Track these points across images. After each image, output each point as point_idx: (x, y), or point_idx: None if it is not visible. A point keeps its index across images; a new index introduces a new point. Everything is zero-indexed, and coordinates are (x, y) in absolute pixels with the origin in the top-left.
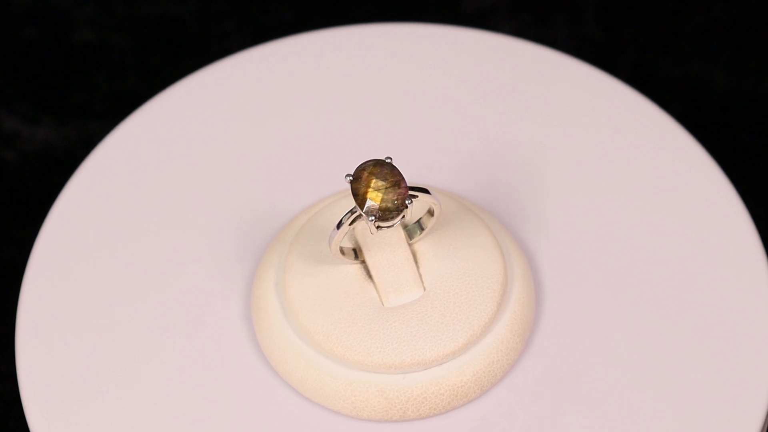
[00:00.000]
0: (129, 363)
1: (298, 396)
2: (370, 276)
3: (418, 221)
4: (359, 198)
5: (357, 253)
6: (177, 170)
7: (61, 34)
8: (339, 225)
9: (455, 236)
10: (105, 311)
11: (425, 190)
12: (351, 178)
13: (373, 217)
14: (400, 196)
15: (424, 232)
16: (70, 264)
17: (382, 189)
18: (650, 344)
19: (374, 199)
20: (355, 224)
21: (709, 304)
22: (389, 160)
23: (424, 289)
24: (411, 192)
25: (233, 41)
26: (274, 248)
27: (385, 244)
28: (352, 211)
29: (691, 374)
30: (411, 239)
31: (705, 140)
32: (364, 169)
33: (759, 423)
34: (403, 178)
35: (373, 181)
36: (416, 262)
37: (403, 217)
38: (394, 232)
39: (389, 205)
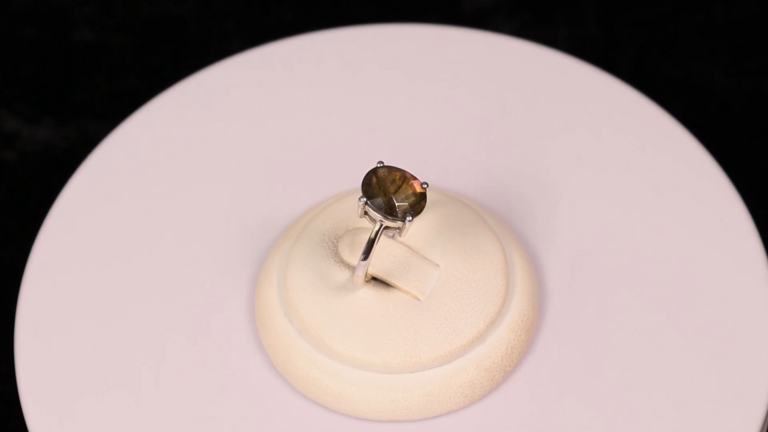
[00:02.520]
0: (129, 364)
1: (300, 396)
2: (387, 284)
3: None
4: (387, 208)
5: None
6: (177, 171)
7: (61, 34)
8: (368, 252)
9: (454, 230)
10: (105, 312)
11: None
12: (365, 199)
13: (410, 216)
14: (416, 186)
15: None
16: (69, 264)
17: (402, 188)
18: (651, 344)
19: (400, 201)
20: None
21: (710, 304)
22: (381, 164)
23: (439, 266)
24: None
25: (233, 41)
26: (276, 251)
27: (379, 250)
28: (376, 233)
29: (691, 374)
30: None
31: (705, 140)
32: (369, 184)
33: (759, 423)
34: (405, 170)
35: (389, 186)
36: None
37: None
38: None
39: (413, 197)
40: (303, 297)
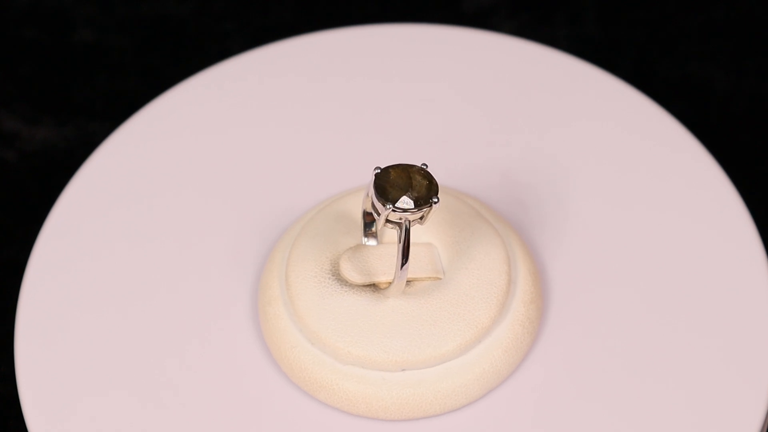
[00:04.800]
0: (129, 364)
1: (301, 392)
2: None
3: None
4: (414, 202)
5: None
6: (178, 171)
7: (61, 34)
8: (407, 256)
9: (453, 226)
10: (105, 312)
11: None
12: (391, 206)
13: (435, 198)
14: (419, 170)
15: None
16: (70, 265)
17: (411, 179)
18: (652, 344)
19: (419, 189)
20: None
21: (709, 304)
22: (377, 171)
23: (431, 243)
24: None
25: (233, 41)
26: (277, 252)
27: (376, 258)
28: (407, 234)
29: (691, 374)
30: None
31: (705, 140)
32: (385, 190)
33: (759, 423)
34: (398, 163)
35: (401, 182)
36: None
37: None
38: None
39: (425, 181)
40: (306, 297)
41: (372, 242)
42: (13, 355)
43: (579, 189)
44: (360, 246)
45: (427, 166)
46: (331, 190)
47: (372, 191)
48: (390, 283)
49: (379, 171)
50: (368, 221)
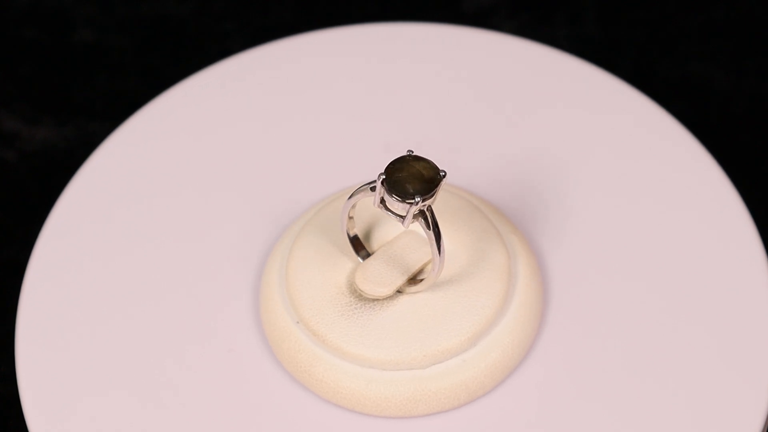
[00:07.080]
0: (129, 364)
1: (301, 387)
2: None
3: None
4: (432, 178)
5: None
6: (178, 171)
7: (61, 34)
8: (440, 239)
9: (453, 223)
10: (105, 312)
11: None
12: (419, 198)
13: (443, 172)
14: (411, 157)
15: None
16: (70, 265)
17: (414, 167)
18: (652, 344)
19: (426, 171)
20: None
21: (709, 304)
22: (382, 177)
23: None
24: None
25: (233, 41)
26: (277, 251)
27: (384, 262)
28: (434, 220)
29: (691, 374)
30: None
31: (705, 140)
32: (404, 186)
33: (759, 423)
34: (391, 161)
35: (410, 172)
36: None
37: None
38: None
39: (423, 163)
40: (305, 295)
41: (367, 256)
42: (13, 355)
43: (579, 189)
44: (365, 263)
45: (413, 151)
46: (331, 189)
47: (386, 197)
48: (416, 279)
49: (383, 177)
50: (357, 248)
